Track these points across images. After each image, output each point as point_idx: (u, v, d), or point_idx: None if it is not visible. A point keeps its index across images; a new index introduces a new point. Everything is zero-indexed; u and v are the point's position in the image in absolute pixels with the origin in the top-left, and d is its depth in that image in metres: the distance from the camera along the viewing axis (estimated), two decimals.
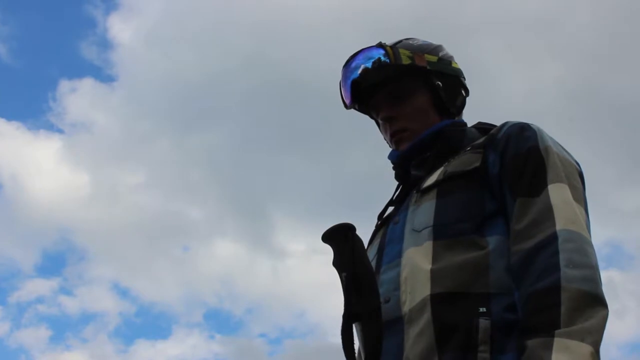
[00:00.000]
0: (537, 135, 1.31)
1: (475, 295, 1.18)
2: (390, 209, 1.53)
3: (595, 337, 1.07)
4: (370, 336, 1.11)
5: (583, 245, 1.16)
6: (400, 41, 1.56)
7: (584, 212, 1.25)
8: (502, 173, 1.29)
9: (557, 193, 1.22)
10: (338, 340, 1.16)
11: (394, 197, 1.54)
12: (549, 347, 1.06)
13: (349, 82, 1.54)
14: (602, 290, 1.13)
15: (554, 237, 1.16)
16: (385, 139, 1.59)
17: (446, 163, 1.39)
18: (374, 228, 1.54)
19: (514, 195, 1.25)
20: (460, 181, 1.32)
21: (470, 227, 1.25)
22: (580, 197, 1.26)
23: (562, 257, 1.13)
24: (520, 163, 1.28)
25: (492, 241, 1.23)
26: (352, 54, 1.55)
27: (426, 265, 1.24)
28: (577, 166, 1.33)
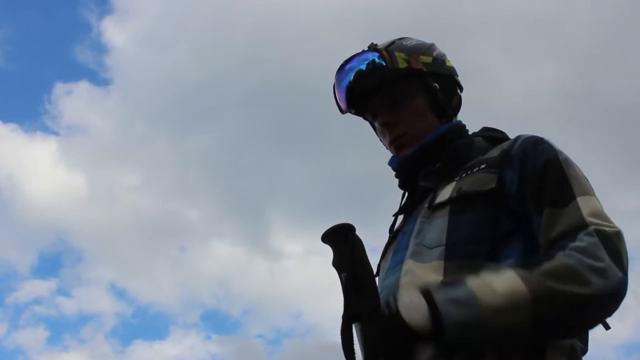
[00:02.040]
0: (553, 148, 1.30)
1: None
2: (399, 218, 1.52)
3: (547, 291, 1.07)
4: (370, 336, 1.11)
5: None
6: (394, 42, 1.54)
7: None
8: (522, 189, 1.26)
9: (587, 204, 1.20)
10: (338, 339, 1.17)
11: (401, 207, 1.52)
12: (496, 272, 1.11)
13: (344, 85, 1.51)
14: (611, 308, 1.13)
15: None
16: (382, 143, 1.57)
17: (458, 177, 1.37)
18: (386, 240, 1.52)
19: (540, 207, 1.22)
20: (474, 201, 1.29)
21: (483, 251, 1.24)
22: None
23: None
24: (541, 176, 1.26)
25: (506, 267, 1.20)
26: (345, 59, 1.52)
27: (435, 278, 1.22)
28: None
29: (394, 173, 1.54)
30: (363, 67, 1.49)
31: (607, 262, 1.11)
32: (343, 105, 1.55)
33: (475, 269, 1.19)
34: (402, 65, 1.47)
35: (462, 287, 1.09)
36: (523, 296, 1.07)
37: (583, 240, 1.14)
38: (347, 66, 1.51)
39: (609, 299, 1.12)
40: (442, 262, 1.25)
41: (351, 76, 1.50)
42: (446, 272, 1.23)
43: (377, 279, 1.43)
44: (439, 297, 1.08)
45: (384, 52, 1.48)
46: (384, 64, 1.47)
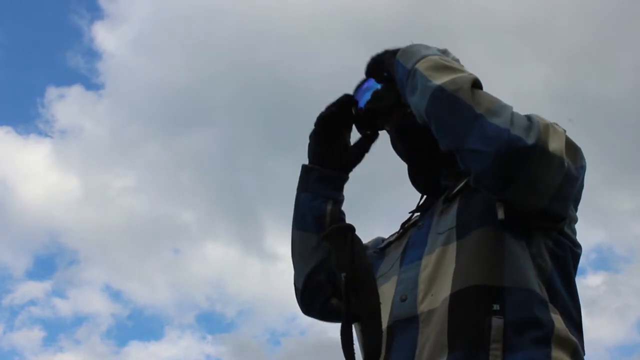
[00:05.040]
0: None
1: (489, 289, 1.18)
2: (416, 215, 1.52)
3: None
4: (370, 336, 1.11)
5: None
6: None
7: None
8: None
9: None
10: (336, 336, 1.17)
11: (419, 204, 1.53)
12: None
13: (362, 106, 1.50)
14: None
15: None
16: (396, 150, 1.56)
17: None
18: (396, 233, 1.52)
19: None
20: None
21: (491, 222, 1.24)
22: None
23: None
24: None
25: (509, 235, 1.23)
26: (362, 79, 1.52)
27: (449, 266, 1.24)
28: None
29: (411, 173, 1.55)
30: (379, 86, 1.48)
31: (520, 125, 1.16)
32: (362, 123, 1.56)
33: (480, 239, 1.23)
34: None
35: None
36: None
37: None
38: (364, 85, 1.51)
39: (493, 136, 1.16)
40: (454, 244, 1.26)
41: (368, 95, 1.49)
42: (458, 252, 1.25)
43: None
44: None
45: None
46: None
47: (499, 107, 1.19)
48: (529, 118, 1.19)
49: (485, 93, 1.24)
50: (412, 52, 1.35)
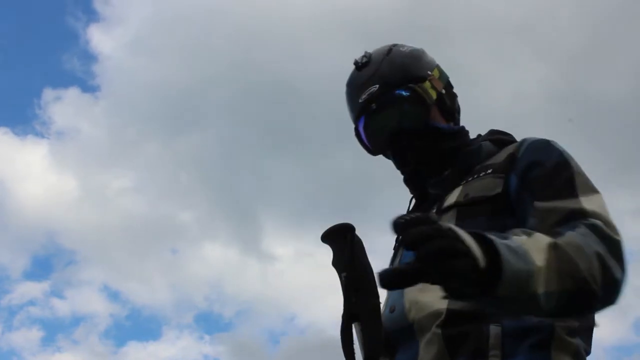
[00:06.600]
0: (559, 149, 1.30)
1: (487, 315, 1.18)
2: None
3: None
4: (370, 336, 1.12)
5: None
6: (390, 50, 1.53)
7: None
8: (524, 183, 1.26)
9: (591, 200, 1.19)
10: (333, 334, 1.17)
11: (410, 210, 1.52)
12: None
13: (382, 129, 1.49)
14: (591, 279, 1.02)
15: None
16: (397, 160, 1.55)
17: (464, 182, 1.38)
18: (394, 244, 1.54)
19: (540, 200, 1.21)
20: (481, 206, 1.30)
21: None
22: None
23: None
24: (548, 173, 1.25)
25: None
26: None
27: None
28: None
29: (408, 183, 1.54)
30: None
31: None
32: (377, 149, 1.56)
33: None
34: (434, 95, 1.48)
35: (512, 239, 0.93)
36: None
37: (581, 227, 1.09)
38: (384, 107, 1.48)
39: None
40: None
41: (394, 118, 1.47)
42: None
43: None
44: (496, 240, 0.88)
45: (418, 89, 1.47)
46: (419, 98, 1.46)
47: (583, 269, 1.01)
48: (598, 255, 1.05)
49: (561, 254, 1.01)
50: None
